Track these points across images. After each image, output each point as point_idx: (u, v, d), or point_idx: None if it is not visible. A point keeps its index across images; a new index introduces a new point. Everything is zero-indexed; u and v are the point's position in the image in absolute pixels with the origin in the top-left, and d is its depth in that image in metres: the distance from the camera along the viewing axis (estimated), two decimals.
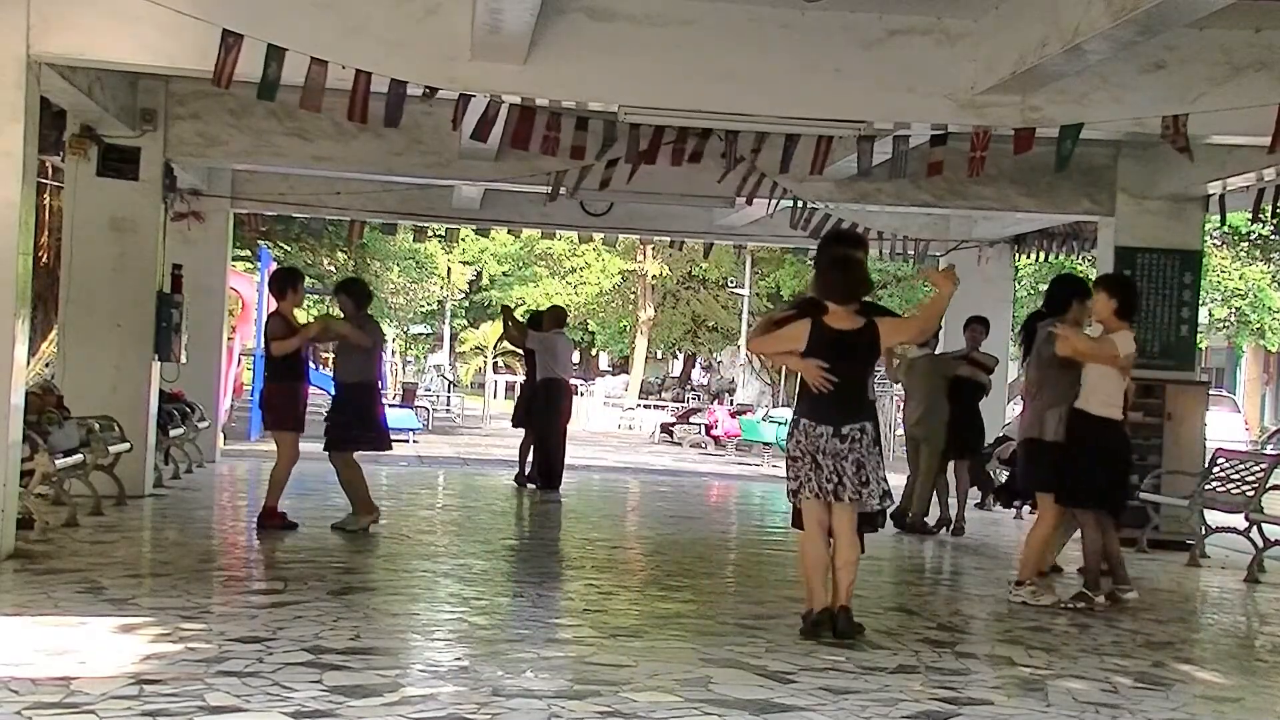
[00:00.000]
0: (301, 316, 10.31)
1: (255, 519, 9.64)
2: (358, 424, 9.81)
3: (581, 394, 39.10)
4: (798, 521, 6.77)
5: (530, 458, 14.06)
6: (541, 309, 16.38)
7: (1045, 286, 8.07)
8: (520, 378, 39.95)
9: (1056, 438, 7.98)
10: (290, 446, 9.69)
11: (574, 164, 10.04)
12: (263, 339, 10.21)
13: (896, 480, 8.59)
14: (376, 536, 9.50)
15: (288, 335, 9.63)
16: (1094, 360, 7.87)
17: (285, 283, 10.02)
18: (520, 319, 14.89)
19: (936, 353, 12.23)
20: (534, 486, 13.81)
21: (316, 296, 25.72)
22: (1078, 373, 7.94)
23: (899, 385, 14.37)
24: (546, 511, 12.64)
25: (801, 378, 6.61)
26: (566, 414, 14.17)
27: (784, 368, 34.62)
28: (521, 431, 14.40)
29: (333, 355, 10.24)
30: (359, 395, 9.88)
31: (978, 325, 12.22)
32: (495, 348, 41.59)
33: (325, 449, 9.84)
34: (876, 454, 6.58)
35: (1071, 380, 7.96)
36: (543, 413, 13.85)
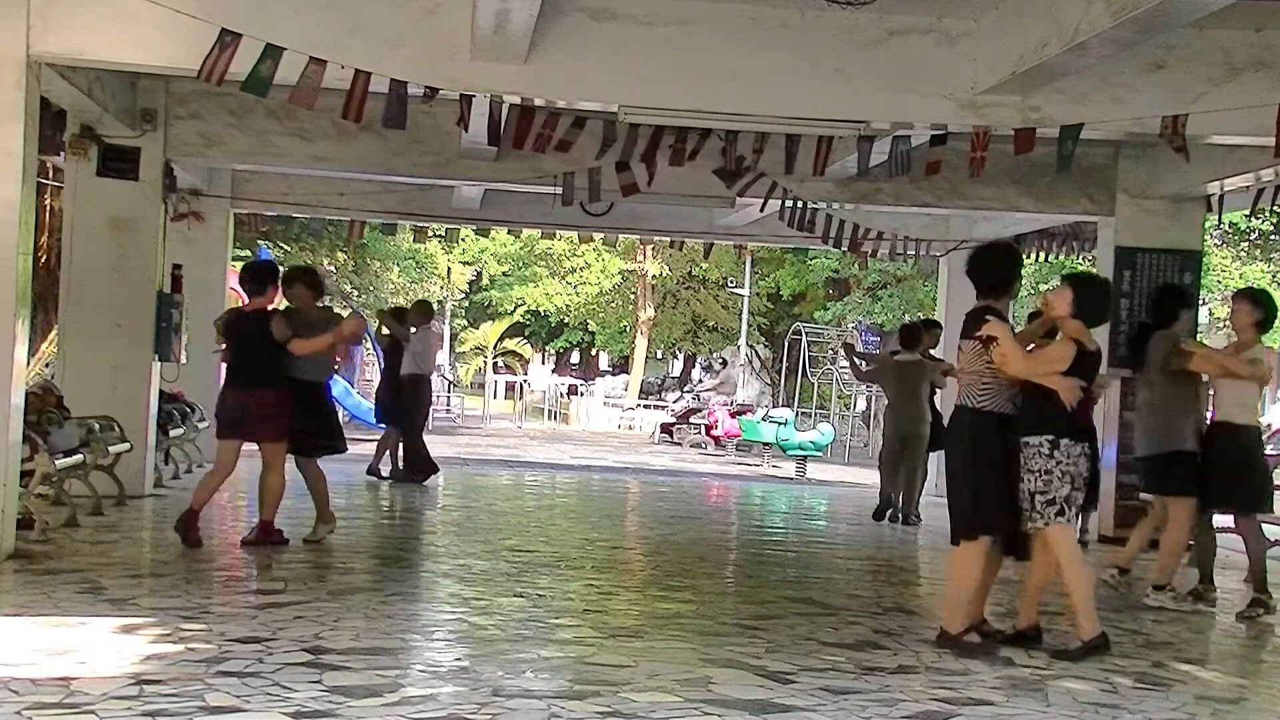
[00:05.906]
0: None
1: (253, 535, 8.88)
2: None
3: (581, 394, 39.14)
4: (977, 532, 6.48)
5: (396, 452, 13.99)
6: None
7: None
8: (519, 377, 40.19)
9: (1194, 447, 8.25)
10: (281, 455, 8.93)
11: (568, 162, 10.01)
12: (268, 339, 8.68)
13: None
14: (377, 537, 9.48)
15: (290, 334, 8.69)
16: (1233, 375, 8.09)
17: (272, 278, 9.02)
18: (393, 317, 14.45)
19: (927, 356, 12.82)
20: (388, 479, 13.75)
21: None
22: (1198, 382, 8.31)
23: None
24: (543, 511, 12.64)
25: (1031, 395, 6.46)
26: (427, 410, 14.57)
27: (783, 369, 34.61)
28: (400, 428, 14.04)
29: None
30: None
31: (937, 330, 13.25)
32: (495, 348, 41.60)
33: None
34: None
35: (1194, 390, 8.32)
36: (410, 409, 13.85)
